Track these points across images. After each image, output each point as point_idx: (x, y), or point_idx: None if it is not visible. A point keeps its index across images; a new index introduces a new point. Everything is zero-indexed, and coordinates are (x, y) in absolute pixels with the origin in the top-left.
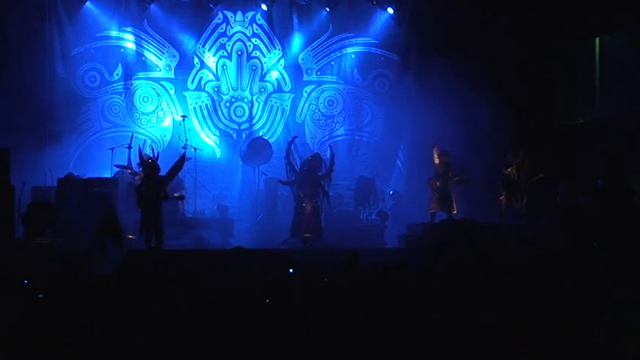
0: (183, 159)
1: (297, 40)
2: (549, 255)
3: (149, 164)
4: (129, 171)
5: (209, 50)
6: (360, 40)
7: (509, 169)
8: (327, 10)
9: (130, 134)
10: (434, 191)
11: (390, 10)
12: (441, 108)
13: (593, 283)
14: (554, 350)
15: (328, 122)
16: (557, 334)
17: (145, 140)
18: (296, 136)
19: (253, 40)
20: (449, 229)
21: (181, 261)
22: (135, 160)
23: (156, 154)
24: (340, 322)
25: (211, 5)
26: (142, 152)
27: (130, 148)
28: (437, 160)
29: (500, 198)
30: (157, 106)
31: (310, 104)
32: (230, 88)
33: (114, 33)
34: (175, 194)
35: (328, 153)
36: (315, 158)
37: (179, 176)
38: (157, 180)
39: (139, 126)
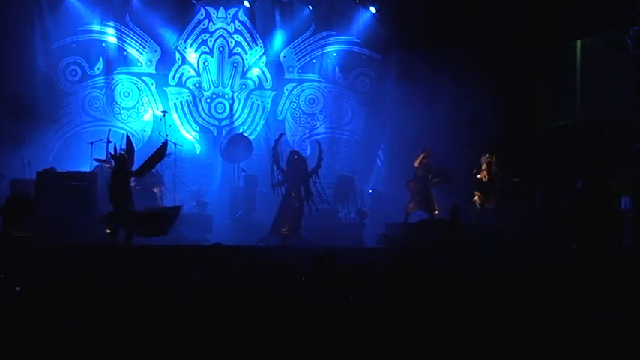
0: (164, 148)
1: (278, 38)
2: (528, 256)
3: (118, 159)
4: (108, 165)
5: (191, 46)
6: (342, 38)
7: (480, 170)
8: (310, 8)
9: (108, 129)
10: (413, 193)
11: (373, 9)
12: (422, 108)
13: (571, 284)
14: (532, 350)
15: (309, 120)
16: (537, 334)
17: (123, 135)
18: (282, 134)
19: (235, 36)
20: (428, 228)
21: (159, 256)
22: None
23: (120, 148)
24: (315, 320)
25: (193, 1)
26: (115, 148)
27: (109, 142)
28: (417, 164)
29: (474, 199)
30: (138, 101)
31: (291, 102)
32: (211, 84)
33: (96, 27)
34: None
35: (310, 150)
36: (298, 156)
37: (159, 171)
38: (126, 174)
39: (120, 120)
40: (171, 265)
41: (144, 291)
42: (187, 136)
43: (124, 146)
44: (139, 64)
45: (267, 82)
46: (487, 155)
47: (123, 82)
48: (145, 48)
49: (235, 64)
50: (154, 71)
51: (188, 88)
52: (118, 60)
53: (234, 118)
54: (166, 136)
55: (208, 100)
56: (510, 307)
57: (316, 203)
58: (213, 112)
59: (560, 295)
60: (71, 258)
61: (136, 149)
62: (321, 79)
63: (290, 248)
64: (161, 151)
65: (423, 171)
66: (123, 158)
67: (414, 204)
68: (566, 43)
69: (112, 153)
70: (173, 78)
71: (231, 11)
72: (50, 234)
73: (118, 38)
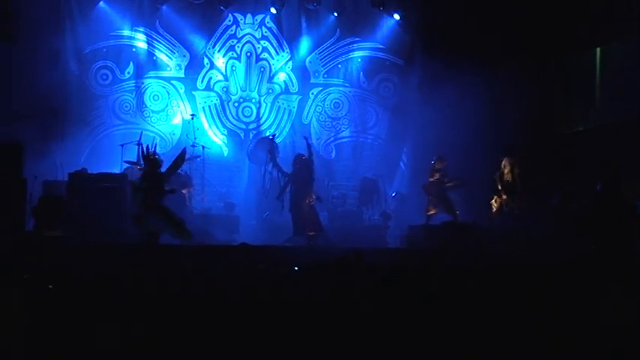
0: (183, 154)
1: (304, 43)
2: (546, 257)
3: (151, 160)
4: (138, 167)
5: (219, 51)
6: (367, 44)
7: (502, 173)
8: (335, 14)
9: (140, 131)
10: (430, 196)
11: (397, 16)
12: (445, 112)
13: (588, 285)
14: (550, 351)
15: (334, 124)
16: (553, 336)
17: (154, 138)
18: (274, 134)
19: (262, 42)
20: (450, 230)
21: (187, 256)
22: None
23: (152, 150)
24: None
25: (222, 7)
26: (148, 148)
27: (139, 145)
28: (433, 169)
29: (492, 201)
30: (167, 105)
31: (317, 106)
32: (238, 89)
33: (126, 32)
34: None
35: (335, 153)
36: (301, 156)
37: (187, 173)
38: (158, 177)
39: (149, 123)
40: (199, 264)
41: (171, 290)
42: (215, 139)
43: (152, 150)
44: (169, 68)
45: (293, 86)
46: (508, 158)
47: (152, 85)
48: (174, 53)
49: (262, 69)
50: (182, 75)
51: (216, 92)
52: (147, 64)
53: (261, 121)
54: (194, 138)
55: (236, 104)
56: (522, 309)
57: (338, 205)
58: (241, 116)
59: (572, 297)
60: (101, 257)
61: (165, 151)
62: (346, 84)
63: (316, 248)
64: (181, 157)
65: (439, 175)
66: (155, 160)
67: (433, 207)
68: (586, 51)
69: (145, 154)
70: (201, 82)
71: (259, 17)
72: (81, 234)
73: (148, 43)
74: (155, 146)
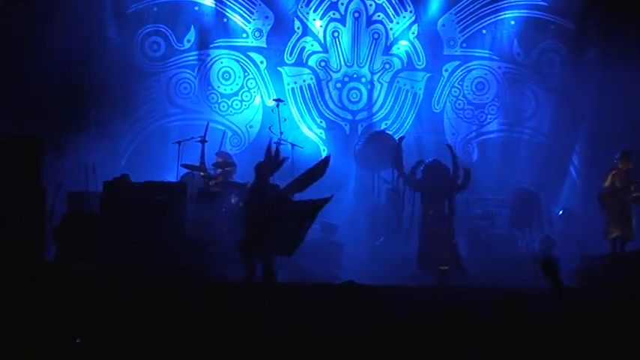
0: (270, 148)
1: (435, 0)
2: None
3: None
4: (201, 173)
5: (315, 11)
6: (523, 1)
7: None
8: None
9: (205, 123)
10: (609, 210)
11: None
12: (633, 96)
13: None
14: None
15: (477, 113)
16: None
17: (224, 132)
18: (403, 137)
19: None
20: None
21: (274, 296)
22: (210, 158)
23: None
24: None
25: None
26: (274, 147)
27: (204, 141)
28: (613, 172)
29: None
30: (242, 86)
31: (452, 88)
32: (342, 64)
33: None
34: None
35: (477, 153)
36: (438, 164)
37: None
38: (271, 190)
39: (217, 112)
40: (290, 307)
41: (255, 339)
42: (309, 133)
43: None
44: (245, 35)
45: (419, 60)
46: None
47: (222, 59)
48: (252, 14)
49: (376, 36)
50: (264, 45)
51: (311, 68)
52: (215, 29)
53: (374, 109)
54: (280, 134)
55: (338, 85)
56: None
57: (482, 228)
58: (345, 102)
59: None
60: (149, 300)
61: (239, 151)
62: (494, 57)
63: (451, 289)
64: (321, 168)
65: (623, 179)
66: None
67: (614, 226)
68: None
69: (273, 156)
70: (290, 55)
71: None
72: (120, 266)
73: (216, 0)
74: (277, 144)
